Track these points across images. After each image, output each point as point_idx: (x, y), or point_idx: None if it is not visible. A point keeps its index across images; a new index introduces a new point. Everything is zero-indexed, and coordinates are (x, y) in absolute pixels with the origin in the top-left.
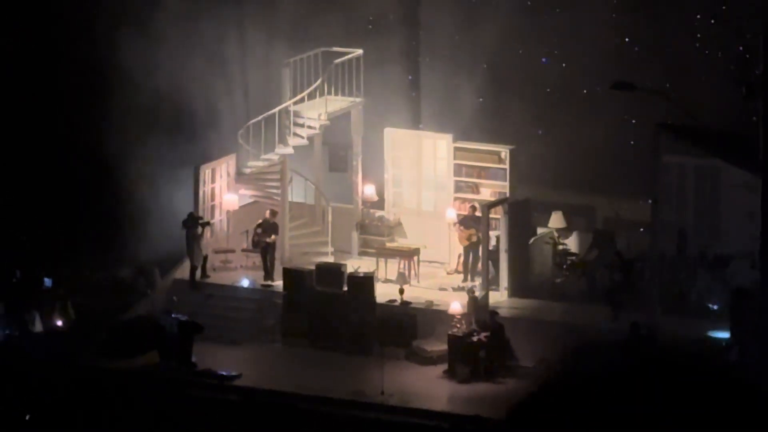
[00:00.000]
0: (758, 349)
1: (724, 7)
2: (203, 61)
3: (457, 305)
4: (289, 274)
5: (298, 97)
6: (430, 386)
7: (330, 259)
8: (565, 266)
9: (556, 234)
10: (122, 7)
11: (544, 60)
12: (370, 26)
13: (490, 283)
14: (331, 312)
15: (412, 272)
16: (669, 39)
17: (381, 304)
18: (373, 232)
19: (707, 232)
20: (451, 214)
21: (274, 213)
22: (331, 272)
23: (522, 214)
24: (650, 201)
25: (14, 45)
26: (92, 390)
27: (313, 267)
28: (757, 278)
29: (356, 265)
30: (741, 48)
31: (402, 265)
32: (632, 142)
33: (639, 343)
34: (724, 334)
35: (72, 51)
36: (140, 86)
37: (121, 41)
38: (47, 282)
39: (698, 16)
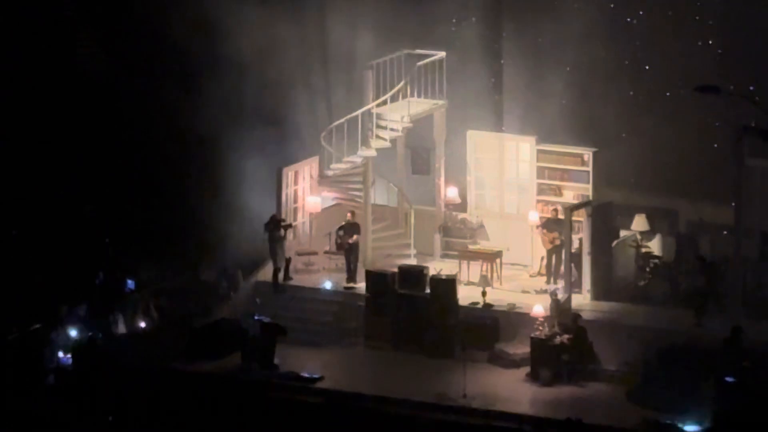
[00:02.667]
0: None
1: None
2: (286, 64)
3: (539, 308)
4: (372, 277)
5: (381, 99)
6: (512, 389)
7: (412, 262)
8: (648, 269)
9: (639, 237)
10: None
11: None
12: (453, 28)
13: (573, 285)
14: (414, 314)
15: (495, 275)
16: (754, 41)
17: (463, 307)
18: (456, 234)
19: None
20: (534, 216)
21: (354, 214)
22: (414, 274)
23: (605, 217)
24: (733, 204)
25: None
26: (175, 392)
27: (395, 269)
28: None
29: (438, 267)
30: None
31: (484, 268)
32: (716, 146)
33: (740, 347)
34: None
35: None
36: (226, 90)
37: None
38: (130, 284)
39: None
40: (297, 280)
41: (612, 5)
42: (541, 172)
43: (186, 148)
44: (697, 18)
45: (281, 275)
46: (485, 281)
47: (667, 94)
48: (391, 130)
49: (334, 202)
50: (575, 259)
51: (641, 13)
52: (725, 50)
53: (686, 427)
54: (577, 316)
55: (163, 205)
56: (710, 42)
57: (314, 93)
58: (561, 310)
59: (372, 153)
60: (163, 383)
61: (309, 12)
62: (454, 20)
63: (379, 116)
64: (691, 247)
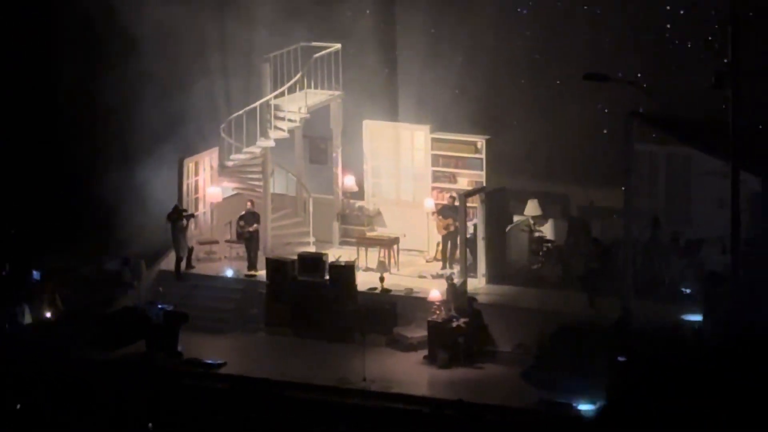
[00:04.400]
0: (731, 330)
1: None
2: (183, 55)
3: (436, 292)
4: (272, 264)
5: (279, 91)
6: (410, 372)
7: (311, 249)
8: (541, 253)
9: (531, 221)
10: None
11: None
12: (348, 20)
13: (468, 270)
14: (313, 301)
15: (392, 261)
16: (640, 30)
17: (362, 292)
18: (354, 222)
19: (679, 218)
20: (430, 203)
21: (254, 203)
22: (313, 262)
23: (498, 203)
24: (623, 188)
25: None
26: (81, 381)
27: (295, 257)
28: (728, 263)
29: (337, 254)
30: (710, 38)
31: (382, 254)
32: (605, 131)
33: (628, 330)
34: (697, 317)
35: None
36: (124, 76)
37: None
38: (35, 275)
39: (668, 7)
40: (199, 268)
41: None
42: (435, 160)
43: (87, 141)
44: (585, 8)
45: (183, 264)
46: (383, 267)
47: (557, 82)
48: (289, 121)
49: (234, 192)
50: (470, 244)
51: (531, 3)
52: (613, 39)
53: (580, 406)
54: (472, 299)
55: (67, 195)
56: (598, 31)
57: (213, 84)
58: (457, 294)
59: (270, 143)
60: (69, 372)
61: (206, 3)
62: (348, 13)
63: (276, 107)
64: (582, 230)
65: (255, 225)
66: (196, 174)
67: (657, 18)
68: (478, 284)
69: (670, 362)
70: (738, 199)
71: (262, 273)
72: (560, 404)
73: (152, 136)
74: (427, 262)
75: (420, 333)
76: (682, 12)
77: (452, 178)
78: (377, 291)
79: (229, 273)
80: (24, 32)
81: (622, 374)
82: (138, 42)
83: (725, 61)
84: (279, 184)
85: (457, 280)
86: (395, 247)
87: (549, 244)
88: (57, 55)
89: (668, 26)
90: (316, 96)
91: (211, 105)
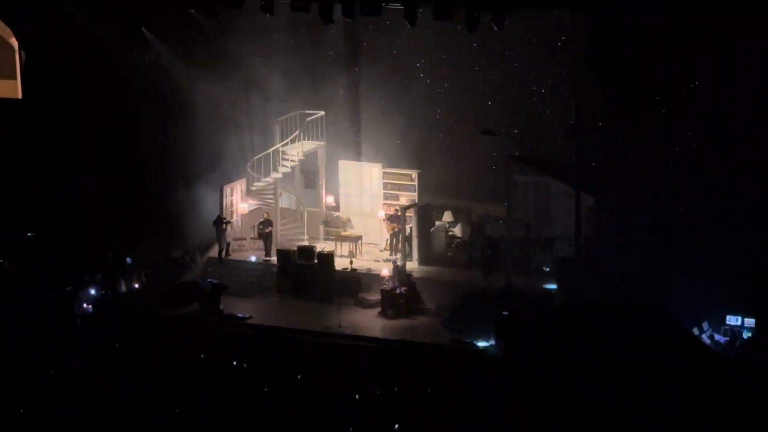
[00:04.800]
0: (577, 296)
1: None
2: (224, 117)
3: (386, 271)
4: (281, 253)
5: (284, 142)
6: (370, 322)
7: (306, 243)
8: (452, 245)
9: (447, 225)
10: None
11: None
12: (329, 96)
13: (407, 256)
14: (308, 276)
15: (358, 250)
16: (519, 101)
17: (338, 271)
18: (333, 225)
19: (542, 223)
20: (381, 213)
21: (268, 214)
22: (307, 251)
23: (425, 213)
24: (505, 204)
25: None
26: (160, 328)
27: (295, 248)
28: (573, 251)
29: (323, 246)
30: (562, 107)
31: (351, 246)
32: (494, 167)
33: (510, 294)
34: (553, 286)
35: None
36: (184, 129)
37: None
38: (129, 260)
39: (534, 87)
40: (234, 256)
41: (428, 80)
42: (385, 186)
43: (162, 167)
44: (476, 69)
45: (224, 253)
46: (351, 254)
47: (467, 134)
48: (291, 161)
49: (256, 207)
50: (408, 239)
51: (447, 84)
52: (501, 106)
53: (479, 343)
54: (409, 275)
55: (148, 208)
56: (494, 101)
57: (242, 136)
58: (399, 272)
59: (279, 175)
60: (151, 323)
61: (238, 83)
62: (330, 90)
63: (283, 153)
64: (480, 230)
65: (269, 228)
66: (232, 195)
67: (529, 95)
68: (413, 265)
69: (536, 315)
70: (579, 210)
71: (274, 259)
72: (466, 342)
73: (203, 169)
74: (380, 251)
75: (375, 297)
76: (543, 90)
77: (396, 197)
78: (348, 270)
79: (253, 259)
80: (119, 98)
81: (506, 323)
82: (193, 106)
83: (571, 122)
84: (285, 201)
85: (399, 263)
86: (359, 241)
87: (458, 240)
88: (139, 114)
89: (534, 100)
90: (308, 145)
91: (242, 150)
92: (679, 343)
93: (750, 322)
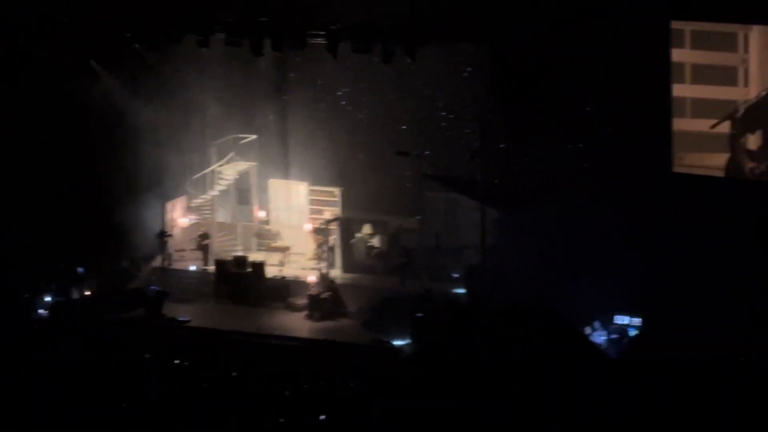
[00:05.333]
0: (483, 299)
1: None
2: (168, 141)
3: (312, 277)
4: (218, 263)
5: (221, 163)
6: (298, 324)
7: (240, 254)
8: (372, 255)
9: (367, 236)
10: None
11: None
12: (261, 121)
13: (331, 264)
14: (242, 283)
15: (286, 260)
16: (429, 125)
17: (269, 278)
18: (264, 237)
19: (452, 234)
20: (308, 226)
21: (206, 227)
22: (241, 261)
23: (347, 226)
24: (419, 217)
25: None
26: (109, 329)
27: (231, 258)
28: (479, 259)
29: (256, 257)
30: (467, 130)
31: (281, 256)
32: (408, 185)
33: (431, 299)
34: (462, 290)
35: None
36: (133, 152)
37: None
38: (80, 270)
39: (443, 113)
40: (175, 265)
41: (349, 107)
42: (311, 201)
43: (113, 184)
44: (392, 97)
45: (166, 263)
46: (281, 263)
47: (383, 154)
48: (226, 180)
49: (194, 221)
50: (332, 249)
51: (366, 111)
52: (414, 125)
53: (395, 342)
54: (333, 281)
55: (100, 221)
56: (407, 124)
57: (182, 159)
58: (324, 278)
59: (216, 193)
60: (102, 325)
61: (180, 108)
62: (262, 114)
63: (220, 172)
64: (396, 241)
65: (207, 240)
66: (173, 211)
67: (440, 120)
68: (336, 273)
69: (448, 315)
70: (485, 222)
71: (211, 268)
72: (384, 341)
73: (148, 187)
74: (307, 260)
75: (303, 301)
76: (452, 116)
77: (321, 212)
78: (279, 277)
79: (192, 268)
80: (73, 123)
81: (420, 324)
82: (137, 130)
83: (476, 144)
84: (221, 216)
85: (324, 270)
86: (288, 251)
87: (376, 249)
88: (91, 138)
89: (443, 124)
90: (242, 165)
91: (182, 170)
92: (565, 338)
93: (636, 321)
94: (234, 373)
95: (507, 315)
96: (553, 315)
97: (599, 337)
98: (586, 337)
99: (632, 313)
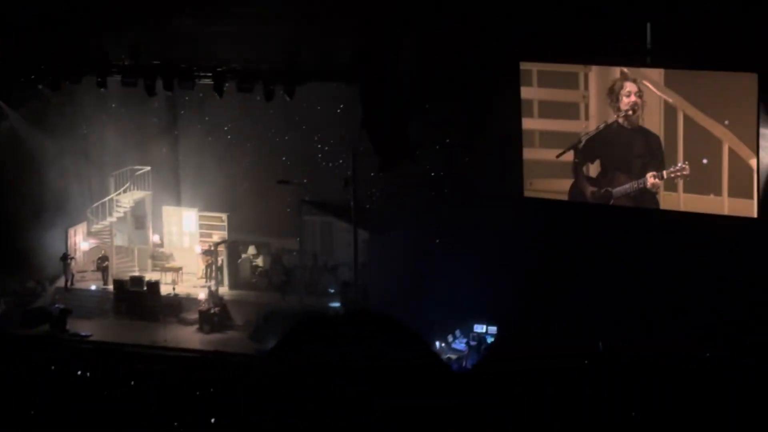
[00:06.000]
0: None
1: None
2: (71, 174)
3: (202, 295)
4: (116, 282)
5: (118, 192)
6: (190, 336)
7: (136, 274)
8: (256, 273)
9: (252, 257)
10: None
11: None
12: (156, 153)
13: (219, 282)
14: (138, 300)
15: (179, 279)
16: (307, 151)
17: (163, 295)
18: (159, 259)
19: (327, 254)
20: (198, 248)
21: (106, 251)
22: (137, 280)
23: (234, 247)
24: (298, 239)
25: None
26: (16, 344)
27: (128, 278)
28: (352, 275)
29: (150, 276)
30: (342, 161)
31: (174, 275)
32: (288, 210)
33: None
34: (337, 304)
35: None
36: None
37: None
38: None
39: (319, 145)
40: (77, 285)
41: (231, 135)
42: (201, 226)
43: (19, 211)
44: (273, 130)
45: (69, 284)
46: (174, 282)
47: (264, 183)
48: (124, 207)
49: (95, 245)
50: (220, 269)
51: (249, 132)
52: (294, 155)
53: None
54: (221, 297)
55: (6, 244)
56: (285, 149)
57: (83, 188)
58: (213, 294)
59: (114, 219)
60: (7, 339)
61: (77, 141)
62: (155, 147)
63: (118, 201)
64: (278, 261)
65: (107, 262)
66: (75, 235)
67: (316, 151)
68: (224, 290)
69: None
70: (357, 242)
71: (111, 287)
72: (266, 351)
73: (52, 213)
74: (198, 278)
75: (194, 316)
76: (327, 147)
77: (210, 235)
78: (171, 295)
79: (93, 287)
80: None
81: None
82: (42, 161)
83: (349, 173)
84: (119, 240)
85: (213, 288)
86: (180, 272)
87: (260, 268)
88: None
89: (320, 155)
90: (138, 194)
91: (83, 198)
92: (402, 345)
93: (492, 329)
94: (132, 382)
95: (345, 322)
96: (389, 321)
97: (460, 345)
98: (422, 342)
99: (489, 322)
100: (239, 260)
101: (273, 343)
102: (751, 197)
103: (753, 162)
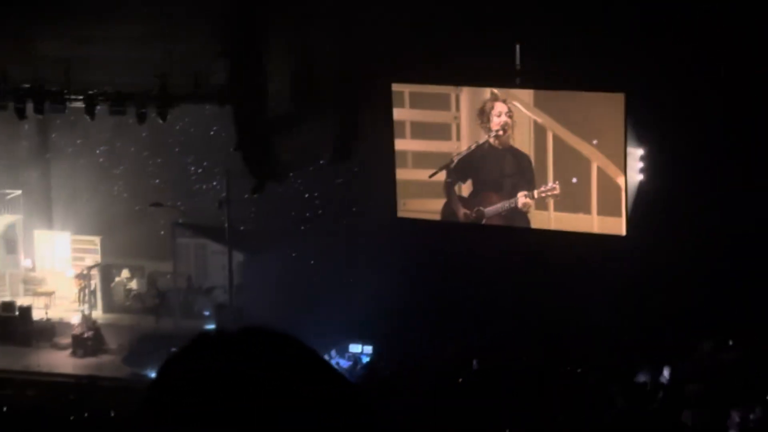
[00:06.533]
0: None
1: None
2: None
3: (76, 318)
4: None
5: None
6: (63, 361)
7: (8, 299)
8: (130, 296)
9: (125, 280)
10: None
11: None
12: (26, 178)
13: (92, 306)
14: (10, 325)
15: (52, 303)
16: (180, 174)
17: (36, 320)
18: (31, 283)
19: (202, 276)
20: (71, 272)
21: None
22: (9, 305)
23: (107, 271)
24: (172, 261)
25: None
26: None
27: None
28: (227, 298)
29: (23, 302)
30: (216, 183)
31: (46, 300)
32: (162, 232)
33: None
34: (212, 326)
35: None
36: None
37: None
38: None
39: (190, 160)
40: None
41: (103, 158)
42: (74, 249)
43: None
44: (146, 153)
45: None
46: (47, 306)
47: (143, 203)
48: None
49: None
50: (93, 292)
51: (121, 156)
52: (166, 178)
53: (152, 374)
54: (94, 321)
55: None
56: (158, 172)
57: None
58: (86, 319)
59: None
60: None
61: None
62: (29, 173)
63: None
64: (152, 283)
65: None
66: None
67: (190, 174)
68: (98, 314)
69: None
70: (231, 265)
71: None
72: (143, 374)
73: None
74: (71, 302)
75: (67, 340)
76: (200, 170)
77: (82, 259)
78: (44, 319)
79: None
80: None
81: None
82: None
83: (223, 195)
84: None
85: (87, 311)
86: (53, 295)
87: (134, 291)
88: None
89: (193, 177)
90: (8, 218)
91: None
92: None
93: (368, 349)
94: (4, 408)
95: (240, 339)
96: (289, 339)
97: (349, 361)
98: (318, 359)
99: (365, 342)
100: (112, 284)
101: (148, 366)
102: (620, 215)
103: (621, 180)
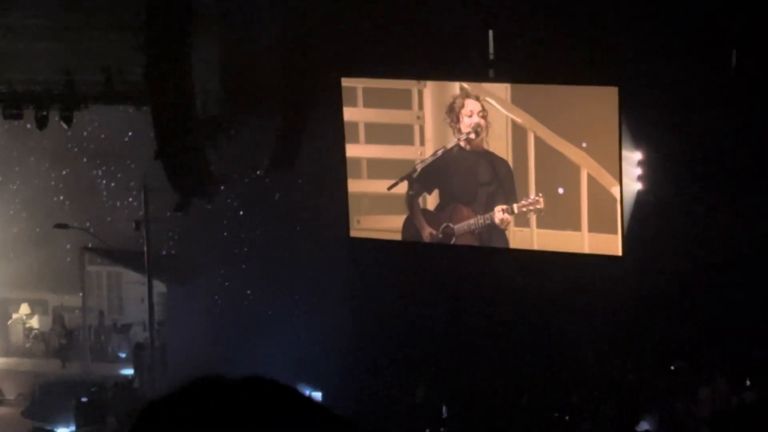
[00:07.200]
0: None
1: None
2: None
3: None
4: None
5: None
6: None
7: None
8: (31, 336)
9: (24, 317)
10: None
11: None
12: None
13: None
14: None
15: None
16: (88, 189)
17: None
18: None
19: (116, 311)
20: None
21: None
22: None
23: (2, 306)
24: (81, 293)
25: None
26: None
27: None
28: (147, 336)
29: None
30: (132, 200)
31: None
32: (68, 259)
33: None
34: (130, 371)
35: None
36: None
37: None
38: None
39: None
40: None
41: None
42: None
43: None
44: (47, 165)
45: None
46: None
47: (44, 225)
48: None
49: None
50: None
51: (17, 169)
52: (72, 194)
53: (59, 429)
54: None
55: None
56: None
57: None
58: None
59: None
60: None
61: None
62: None
63: None
64: (58, 320)
65: None
66: None
67: (100, 188)
68: None
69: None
70: (152, 297)
71: None
72: (47, 430)
73: None
74: None
75: None
76: (113, 184)
77: None
78: None
79: None
80: None
81: (85, 408)
82: None
83: (141, 214)
84: None
85: None
86: None
87: (36, 330)
88: None
89: (105, 193)
90: None
91: None
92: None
93: (317, 395)
94: None
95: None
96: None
97: None
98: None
99: (312, 387)
100: (9, 322)
101: (53, 420)
102: (615, 232)
103: (615, 190)
